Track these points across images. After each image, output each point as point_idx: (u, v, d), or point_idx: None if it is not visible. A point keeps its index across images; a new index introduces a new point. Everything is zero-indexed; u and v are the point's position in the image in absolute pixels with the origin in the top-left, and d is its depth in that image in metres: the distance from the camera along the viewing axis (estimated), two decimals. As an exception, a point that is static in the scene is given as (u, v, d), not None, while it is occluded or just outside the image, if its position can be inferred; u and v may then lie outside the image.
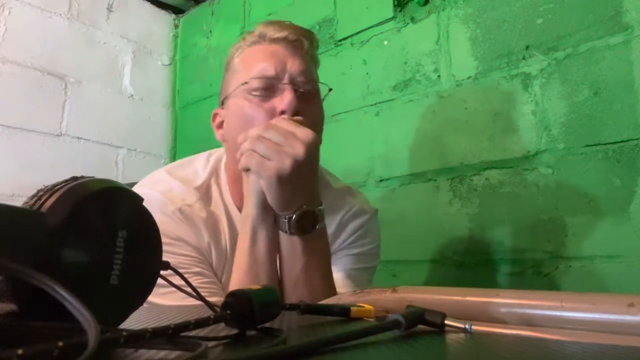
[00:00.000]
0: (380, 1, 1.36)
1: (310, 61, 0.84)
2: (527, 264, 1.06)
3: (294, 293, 0.73)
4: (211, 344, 0.30)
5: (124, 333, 0.23)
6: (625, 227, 0.94)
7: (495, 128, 1.13)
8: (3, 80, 1.57)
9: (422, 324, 0.37)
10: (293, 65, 0.79)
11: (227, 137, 0.81)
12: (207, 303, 0.40)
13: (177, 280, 0.40)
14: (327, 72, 1.49)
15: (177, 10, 2.13)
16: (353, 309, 0.45)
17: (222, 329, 0.35)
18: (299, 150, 0.66)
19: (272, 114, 0.75)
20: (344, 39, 1.45)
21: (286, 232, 0.71)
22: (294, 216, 0.70)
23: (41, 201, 0.30)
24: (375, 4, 1.38)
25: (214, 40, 1.94)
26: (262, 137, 0.68)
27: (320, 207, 0.73)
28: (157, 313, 0.48)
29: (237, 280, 0.71)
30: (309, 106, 0.79)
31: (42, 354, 0.19)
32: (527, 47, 1.10)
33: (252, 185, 0.72)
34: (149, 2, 2.04)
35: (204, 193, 0.82)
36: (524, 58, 1.10)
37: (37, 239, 0.28)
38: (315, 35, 0.89)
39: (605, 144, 0.98)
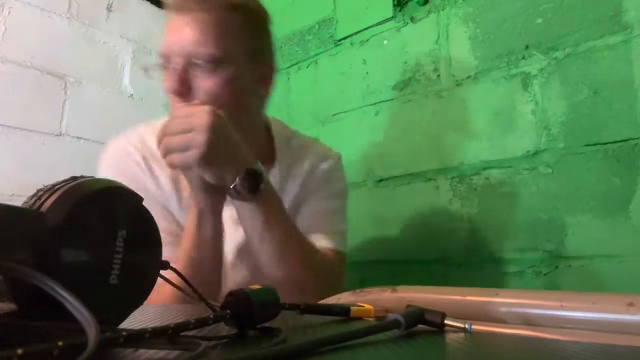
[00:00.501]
0: (380, 1, 1.36)
1: (218, 27, 0.75)
2: (527, 264, 1.06)
3: (272, 266, 0.77)
4: (211, 343, 0.30)
5: (124, 333, 0.24)
6: (626, 226, 0.94)
7: (495, 128, 1.13)
8: (3, 80, 1.57)
9: (422, 324, 0.37)
10: (179, 41, 0.75)
11: None
12: (207, 303, 0.40)
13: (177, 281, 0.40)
14: (327, 72, 1.50)
15: (177, 10, 2.12)
16: (353, 308, 0.45)
17: (221, 329, 0.35)
18: (199, 140, 0.67)
19: (167, 92, 0.77)
20: (344, 38, 1.45)
21: (240, 198, 0.73)
22: (237, 181, 0.71)
23: (41, 201, 0.30)
24: (375, 4, 1.38)
25: (214, 40, 1.94)
26: (167, 136, 0.70)
27: (258, 165, 0.74)
28: (157, 313, 0.48)
29: (182, 263, 0.72)
30: (204, 81, 0.75)
31: (42, 354, 0.19)
32: (527, 47, 1.10)
33: (187, 176, 0.76)
34: (149, 2, 2.04)
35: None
36: (524, 58, 1.10)
37: (37, 239, 0.28)
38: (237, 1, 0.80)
39: (605, 143, 0.98)
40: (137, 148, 0.86)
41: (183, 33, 0.75)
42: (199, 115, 0.68)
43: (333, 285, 0.86)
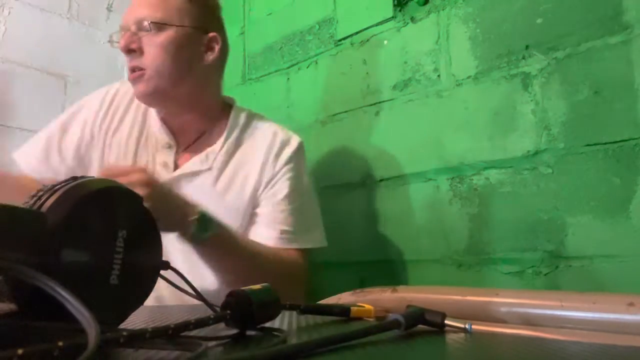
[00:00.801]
0: (380, 1, 1.36)
1: (159, 1, 0.89)
2: (527, 263, 1.05)
3: (235, 285, 0.82)
4: (211, 344, 0.30)
5: (124, 333, 0.24)
6: (626, 226, 0.94)
7: (495, 128, 1.13)
8: (3, 80, 1.57)
9: (422, 324, 0.37)
10: (133, 11, 0.88)
11: None
12: (207, 303, 0.40)
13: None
14: (327, 72, 1.50)
15: (177, 10, 2.12)
16: (353, 308, 0.45)
17: (222, 329, 0.35)
18: None
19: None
20: (344, 38, 1.45)
21: (192, 243, 0.77)
22: (186, 231, 0.76)
23: (41, 201, 0.30)
24: (375, 4, 1.38)
25: (213, 40, 1.94)
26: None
27: (203, 215, 0.77)
28: (157, 313, 0.48)
29: None
30: (149, 40, 0.87)
31: (42, 354, 0.19)
32: (527, 47, 1.10)
33: None
34: None
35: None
36: (523, 58, 1.10)
37: (37, 239, 0.28)
38: None
39: (606, 143, 0.98)
40: (119, 92, 1.00)
41: (133, 9, 0.89)
42: (136, 188, 0.71)
43: (297, 285, 0.90)
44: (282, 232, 0.93)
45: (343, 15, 1.46)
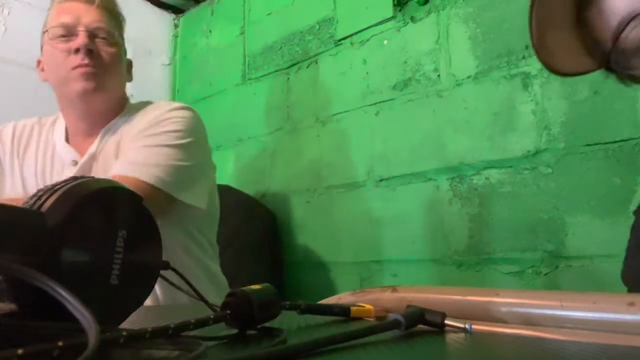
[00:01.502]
0: (380, 1, 1.36)
1: (109, 16, 0.99)
2: (527, 263, 1.06)
3: None
4: (211, 343, 0.30)
5: (124, 333, 0.23)
6: (625, 226, 0.94)
7: (495, 127, 1.13)
8: (3, 80, 1.56)
9: (422, 324, 0.37)
10: (87, 17, 0.95)
11: (47, 77, 0.99)
12: (207, 303, 0.40)
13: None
14: (327, 72, 1.50)
15: (177, 10, 2.12)
16: (353, 308, 0.45)
17: (222, 329, 0.35)
18: None
19: (68, 52, 0.92)
20: (344, 38, 1.45)
21: None
22: None
23: (41, 201, 0.30)
24: (375, 4, 1.38)
25: (213, 40, 1.94)
26: None
27: None
28: (157, 313, 0.48)
29: None
30: (105, 47, 0.95)
31: (42, 354, 0.19)
32: (527, 47, 1.10)
33: None
34: (148, 2, 2.04)
35: (39, 119, 1.07)
36: (523, 57, 1.10)
37: (37, 239, 0.28)
38: (116, 4, 1.04)
39: (605, 143, 0.98)
40: (17, 127, 1.06)
41: (85, 14, 0.96)
42: None
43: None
44: (126, 163, 0.89)
45: (343, 15, 1.46)
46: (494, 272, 1.10)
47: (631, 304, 0.37)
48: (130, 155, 0.89)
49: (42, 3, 1.71)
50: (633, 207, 0.94)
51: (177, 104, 1.00)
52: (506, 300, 0.44)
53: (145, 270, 0.35)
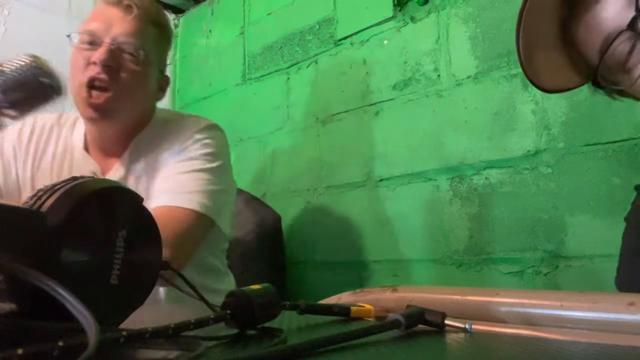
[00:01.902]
0: (380, 1, 1.36)
1: (145, 29, 0.90)
2: (527, 263, 1.06)
3: None
4: (211, 343, 0.30)
5: (124, 333, 0.24)
6: (624, 226, 0.94)
7: (495, 127, 1.13)
8: (3, 80, 1.56)
9: (422, 324, 0.37)
10: (119, 28, 0.87)
11: (69, 79, 0.93)
12: (207, 303, 0.40)
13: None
14: (327, 72, 1.50)
15: (177, 10, 2.12)
16: (353, 308, 0.45)
17: (222, 329, 0.35)
18: None
19: (87, 62, 0.86)
20: (344, 38, 1.45)
21: None
22: None
23: (41, 201, 0.30)
24: (375, 4, 1.37)
25: (213, 40, 1.94)
26: None
27: None
28: (157, 313, 0.48)
29: None
30: (129, 65, 0.87)
31: (42, 354, 0.19)
32: (527, 47, 1.10)
33: None
34: (148, 2, 2.04)
35: (60, 117, 0.99)
36: (523, 57, 1.10)
37: (37, 239, 0.28)
38: (165, 17, 0.98)
39: (605, 143, 0.98)
40: (36, 126, 0.98)
41: (117, 24, 0.88)
42: None
43: (171, 241, 0.78)
44: (171, 192, 0.88)
45: (343, 15, 1.46)
46: (494, 272, 1.10)
47: (631, 304, 0.37)
48: (168, 185, 0.87)
49: (42, 3, 1.71)
50: (633, 207, 0.94)
51: (204, 122, 0.96)
52: (506, 300, 0.44)
53: (145, 270, 0.35)
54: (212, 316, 0.31)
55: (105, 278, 0.31)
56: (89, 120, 0.90)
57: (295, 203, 1.51)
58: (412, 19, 1.31)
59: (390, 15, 1.34)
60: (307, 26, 1.56)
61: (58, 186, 0.32)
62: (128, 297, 0.33)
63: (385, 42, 1.36)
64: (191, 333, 0.29)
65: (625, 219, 0.73)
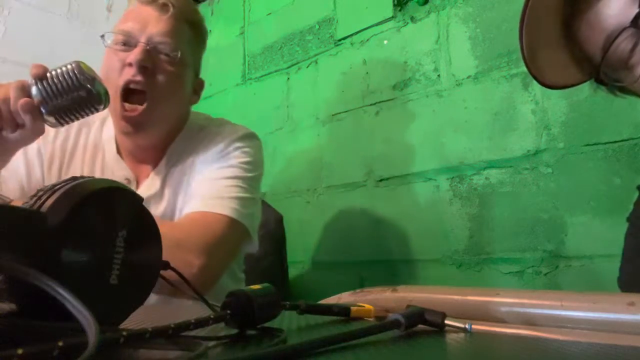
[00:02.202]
0: (380, 1, 1.36)
1: (181, 29, 0.87)
2: (527, 263, 1.05)
3: None
4: (211, 343, 0.30)
5: (124, 333, 0.24)
6: (625, 226, 0.94)
7: (495, 127, 1.13)
8: (3, 80, 1.56)
9: (422, 324, 0.37)
10: (155, 27, 0.84)
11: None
12: (207, 303, 0.40)
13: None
14: (327, 72, 1.50)
15: (177, 10, 2.12)
16: (353, 308, 0.45)
17: (222, 329, 0.35)
18: None
19: (122, 64, 0.83)
20: (344, 38, 1.45)
21: None
22: None
23: (41, 201, 0.30)
24: (375, 4, 1.37)
25: (213, 40, 1.94)
26: None
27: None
28: (157, 313, 0.48)
29: None
30: (165, 66, 0.84)
31: (42, 354, 0.19)
32: (527, 47, 1.10)
33: None
34: (148, 2, 2.04)
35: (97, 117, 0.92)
36: (523, 57, 1.10)
37: (37, 239, 0.28)
38: (200, 17, 0.94)
39: (605, 143, 0.98)
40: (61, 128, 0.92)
41: (153, 23, 0.84)
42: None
43: (204, 247, 0.76)
44: (205, 197, 0.85)
45: (343, 15, 1.46)
46: (494, 272, 1.10)
47: (631, 303, 0.37)
48: (202, 190, 0.84)
49: (42, 3, 1.71)
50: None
51: (243, 130, 0.94)
52: (506, 300, 0.44)
53: (145, 270, 0.35)
54: (212, 316, 0.31)
55: (105, 278, 0.32)
56: (124, 134, 0.86)
57: (295, 203, 1.51)
58: (412, 19, 1.31)
59: (390, 15, 1.34)
60: (307, 26, 1.56)
61: (58, 186, 0.32)
62: (128, 297, 0.33)
63: (385, 42, 1.36)
64: (191, 333, 0.29)
65: (628, 219, 0.73)
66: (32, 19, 1.67)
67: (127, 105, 0.82)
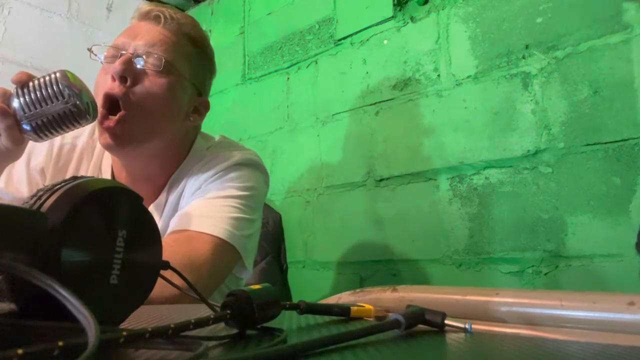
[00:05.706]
0: (380, 1, 1.36)
1: (175, 41, 0.82)
2: (527, 263, 1.06)
3: None
4: (211, 343, 0.30)
5: (124, 333, 0.23)
6: (625, 226, 0.94)
7: (495, 127, 1.13)
8: (3, 80, 1.56)
9: (422, 324, 0.37)
10: (143, 38, 0.80)
11: None
12: (207, 303, 0.40)
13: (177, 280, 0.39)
14: (327, 72, 1.50)
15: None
16: (353, 308, 0.44)
17: (222, 329, 0.35)
18: None
19: (111, 77, 0.77)
20: (344, 38, 1.45)
21: None
22: None
23: (41, 201, 0.30)
24: (375, 4, 1.38)
25: (213, 40, 1.93)
26: None
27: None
28: (157, 313, 0.48)
29: None
30: (152, 77, 0.78)
31: (42, 353, 0.19)
32: (526, 46, 1.10)
33: None
34: (148, 2, 2.04)
35: (92, 135, 0.89)
36: (523, 57, 1.10)
37: (37, 239, 0.28)
38: (204, 35, 0.89)
39: (605, 142, 0.98)
40: (65, 146, 0.89)
41: (142, 34, 0.80)
42: None
43: (196, 269, 0.71)
44: (196, 216, 0.79)
45: (343, 15, 1.46)
46: (494, 272, 1.10)
47: (631, 303, 0.37)
48: (189, 208, 0.78)
49: (42, 3, 1.71)
50: (633, 207, 0.94)
51: (246, 155, 0.87)
52: (506, 300, 0.44)
53: (145, 270, 0.35)
54: (212, 316, 0.31)
55: (105, 278, 0.31)
56: (106, 148, 0.80)
57: (295, 203, 1.51)
58: (412, 18, 1.31)
59: (390, 15, 1.34)
60: (307, 26, 1.56)
61: (58, 186, 0.32)
62: (128, 297, 0.33)
63: (385, 42, 1.36)
64: (191, 333, 0.29)
65: None
66: (32, 19, 1.67)
67: (109, 117, 0.77)
